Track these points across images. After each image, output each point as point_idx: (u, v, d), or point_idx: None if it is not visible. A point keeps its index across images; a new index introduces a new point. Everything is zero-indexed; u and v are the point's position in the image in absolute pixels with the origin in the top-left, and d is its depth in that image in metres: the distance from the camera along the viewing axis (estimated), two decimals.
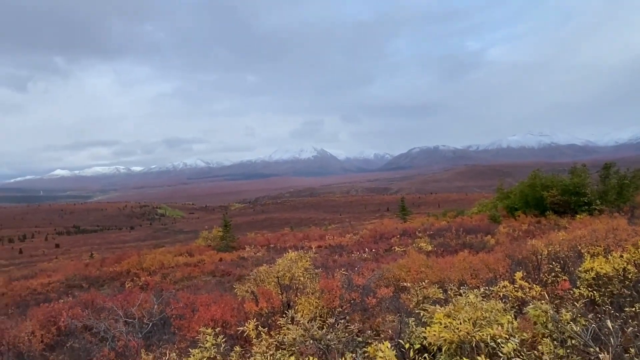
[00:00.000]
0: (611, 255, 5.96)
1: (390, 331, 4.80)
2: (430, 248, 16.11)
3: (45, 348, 8.47)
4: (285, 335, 4.73)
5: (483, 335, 3.56)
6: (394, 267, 9.81)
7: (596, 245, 8.19)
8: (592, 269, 5.58)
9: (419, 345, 3.87)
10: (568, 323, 3.82)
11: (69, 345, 8.16)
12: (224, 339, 4.57)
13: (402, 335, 4.34)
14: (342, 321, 5.36)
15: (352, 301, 7.23)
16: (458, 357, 3.52)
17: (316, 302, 6.92)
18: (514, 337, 3.56)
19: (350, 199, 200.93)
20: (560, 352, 3.47)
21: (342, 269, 10.29)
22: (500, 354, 3.37)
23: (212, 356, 4.33)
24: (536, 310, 4.12)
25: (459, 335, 3.60)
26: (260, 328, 4.87)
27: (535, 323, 4.04)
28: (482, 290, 5.15)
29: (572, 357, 3.45)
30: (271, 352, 4.30)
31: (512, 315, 4.06)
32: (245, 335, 5.31)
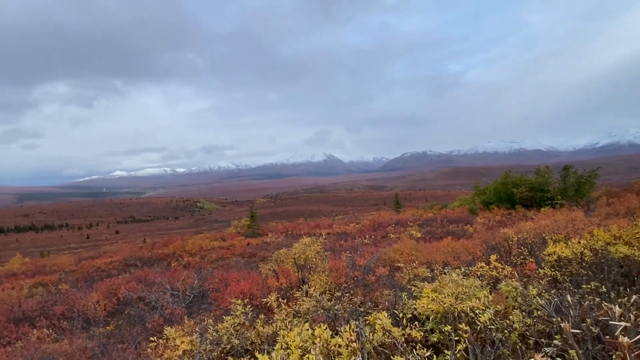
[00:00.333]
0: (570, 242, 5.95)
1: (386, 303, 4.79)
2: (419, 235, 15.99)
3: (107, 315, 8.62)
4: (300, 305, 4.74)
5: (464, 307, 3.54)
6: (390, 251, 9.77)
7: (558, 233, 8.12)
8: (554, 252, 5.57)
9: (410, 315, 3.86)
10: (534, 297, 3.79)
11: (126, 313, 8.30)
12: (251, 309, 4.60)
13: (397, 306, 4.33)
14: (347, 295, 5.36)
15: (355, 278, 7.22)
16: (443, 325, 3.50)
17: (326, 278, 6.93)
18: (490, 308, 3.54)
19: (353, 195, 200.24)
20: (528, 321, 3.44)
21: (347, 252, 10.29)
22: (478, 322, 3.36)
23: (241, 322, 4.35)
24: (508, 286, 4.09)
25: (443, 307, 3.58)
26: (280, 300, 4.88)
27: (506, 297, 4.01)
28: (462, 270, 5.13)
29: (538, 325, 3.42)
30: (289, 319, 4.32)
31: (488, 291, 4.03)
32: (268, 305, 5.32)
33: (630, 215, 10.69)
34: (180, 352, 3.74)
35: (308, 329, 3.21)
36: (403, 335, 3.24)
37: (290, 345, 2.98)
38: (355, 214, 67.54)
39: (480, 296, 3.72)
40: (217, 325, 4.30)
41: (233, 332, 4.11)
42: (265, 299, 5.21)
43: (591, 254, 5.33)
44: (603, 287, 4.20)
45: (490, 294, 3.99)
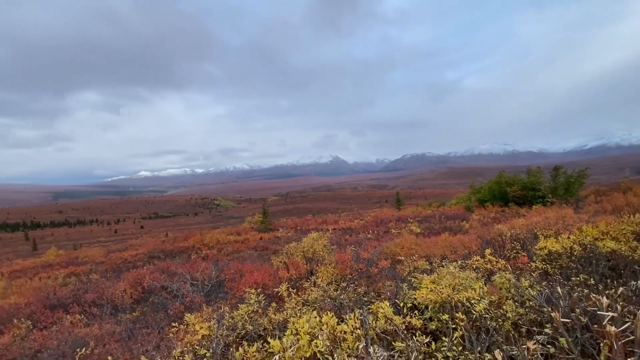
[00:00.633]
0: (560, 237, 5.89)
1: (388, 293, 4.77)
2: (419, 230, 15.89)
3: (133, 302, 8.71)
4: (309, 295, 4.76)
5: (460, 297, 3.52)
6: (391, 245, 9.74)
7: (549, 229, 8.03)
8: (545, 247, 5.52)
9: (410, 304, 3.86)
10: (527, 289, 3.76)
11: (150, 300, 8.38)
12: (263, 297, 4.62)
13: (398, 296, 4.32)
14: (352, 285, 5.36)
15: (359, 270, 7.21)
16: (441, 314, 3.49)
17: (332, 270, 6.93)
18: (484, 299, 3.52)
19: (357, 193, 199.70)
20: (521, 311, 3.41)
21: (352, 246, 10.26)
22: (474, 312, 3.34)
23: (255, 310, 4.37)
24: (501, 278, 4.06)
25: (441, 297, 3.57)
26: (290, 289, 4.90)
27: (500, 288, 3.98)
28: (459, 263, 5.10)
29: (530, 314, 3.39)
30: (299, 308, 4.33)
31: (483, 282, 4.00)
32: (279, 294, 5.36)
33: (617, 213, 10.52)
34: (200, 337, 3.78)
35: (316, 317, 3.23)
36: (404, 323, 3.25)
37: (300, 331, 3.00)
38: (359, 211, 67.35)
39: (475, 287, 3.70)
40: (233, 313, 4.33)
41: (247, 319, 4.14)
42: (276, 289, 5.23)
43: (580, 249, 5.27)
44: (591, 279, 4.14)
45: (485, 286, 3.96)
